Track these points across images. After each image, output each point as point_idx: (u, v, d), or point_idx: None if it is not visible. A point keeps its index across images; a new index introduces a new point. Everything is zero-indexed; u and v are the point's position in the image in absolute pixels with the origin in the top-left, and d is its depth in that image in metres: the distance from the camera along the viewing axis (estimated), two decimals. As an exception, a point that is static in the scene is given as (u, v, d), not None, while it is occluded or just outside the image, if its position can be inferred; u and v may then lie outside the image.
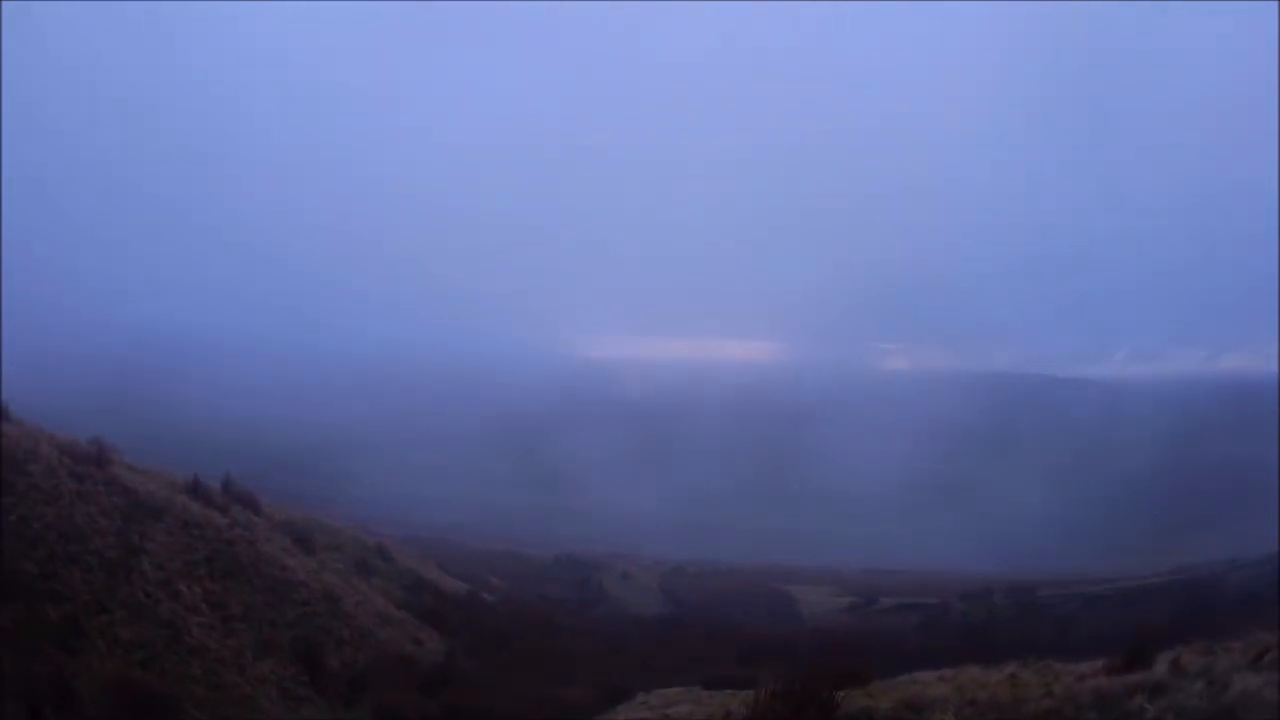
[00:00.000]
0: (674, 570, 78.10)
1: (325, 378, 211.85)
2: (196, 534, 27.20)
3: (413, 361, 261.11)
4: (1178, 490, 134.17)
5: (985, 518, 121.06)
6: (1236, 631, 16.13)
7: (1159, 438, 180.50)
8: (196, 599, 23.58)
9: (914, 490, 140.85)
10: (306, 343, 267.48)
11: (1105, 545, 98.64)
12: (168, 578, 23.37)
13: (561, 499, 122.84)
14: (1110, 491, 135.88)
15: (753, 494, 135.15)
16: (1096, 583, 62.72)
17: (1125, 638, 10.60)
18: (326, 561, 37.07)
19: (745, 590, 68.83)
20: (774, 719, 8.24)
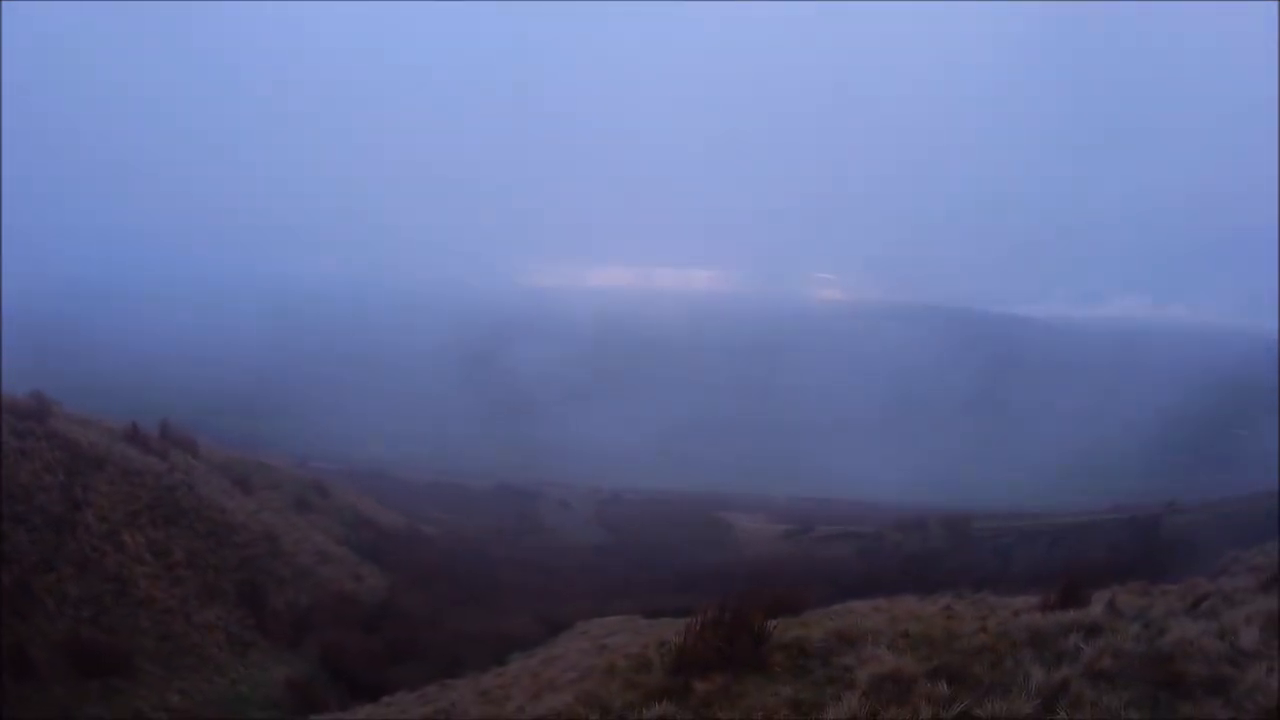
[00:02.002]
0: (611, 499, 78.40)
1: (259, 316, 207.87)
2: (137, 482, 27.43)
3: (351, 296, 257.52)
4: (1113, 430, 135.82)
5: (921, 450, 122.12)
6: (1173, 575, 16.91)
7: (1098, 378, 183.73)
8: (141, 549, 24.00)
9: (848, 421, 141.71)
10: (236, 281, 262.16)
11: (1041, 481, 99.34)
12: (112, 529, 23.73)
13: (499, 429, 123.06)
14: (1046, 429, 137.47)
15: (689, 422, 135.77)
16: (1033, 517, 62.64)
17: (1061, 574, 11.12)
18: (265, 501, 37.54)
19: (682, 518, 69.24)
20: (706, 647, 8.14)
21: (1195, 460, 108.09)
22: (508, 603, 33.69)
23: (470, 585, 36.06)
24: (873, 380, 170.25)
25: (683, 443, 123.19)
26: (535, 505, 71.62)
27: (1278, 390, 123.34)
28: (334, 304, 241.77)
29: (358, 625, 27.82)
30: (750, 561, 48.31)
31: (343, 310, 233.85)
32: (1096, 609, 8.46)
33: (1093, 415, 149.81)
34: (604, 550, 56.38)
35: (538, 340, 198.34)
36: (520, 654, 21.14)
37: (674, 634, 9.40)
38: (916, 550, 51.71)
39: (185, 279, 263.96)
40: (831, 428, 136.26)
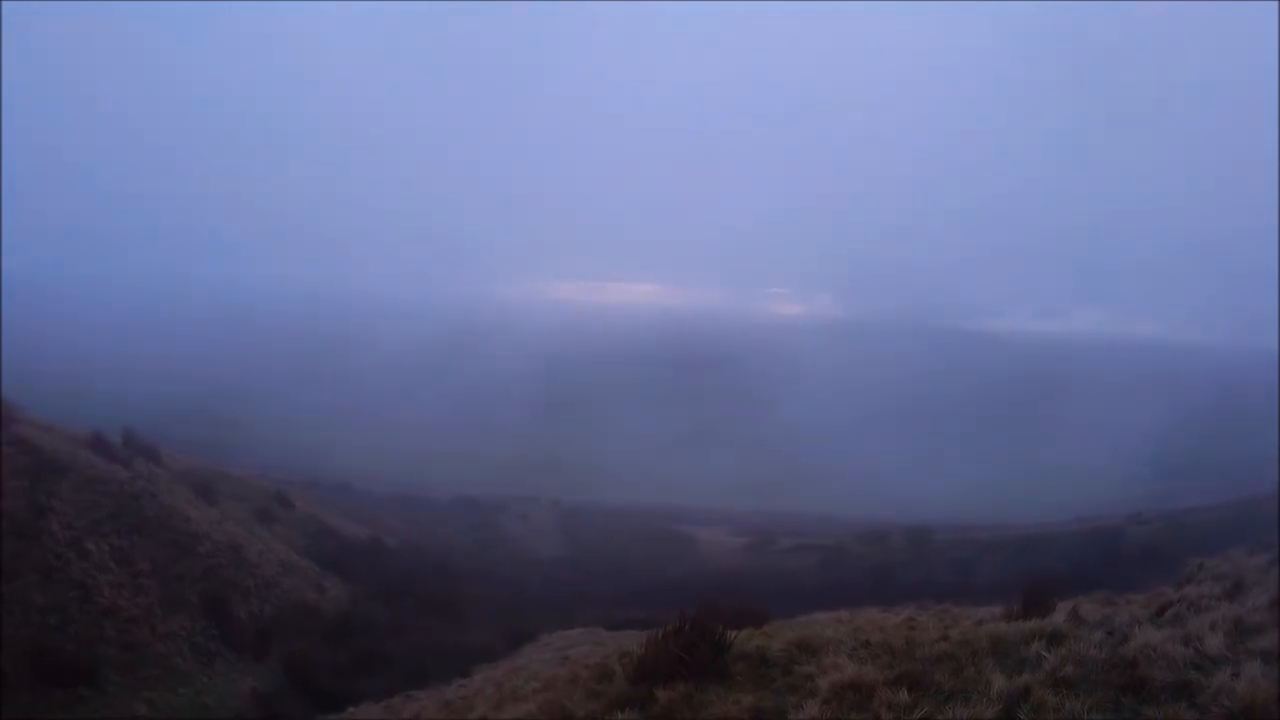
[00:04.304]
0: (571, 511, 78.26)
1: (216, 325, 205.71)
2: (101, 489, 27.34)
3: (309, 306, 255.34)
4: (1075, 443, 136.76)
5: (882, 464, 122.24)
6: (1137, 584, 17.23)
7: (1061, 393, 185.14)
8: (105, 557, 23.98)
9: (809, 436, 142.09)
10: (190, 290, 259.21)
11: (1003, 494, 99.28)
12: (76, 537, 23.69)
13: (461, 441, 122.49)
14: (1006, 443, 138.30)
15: (647, 436, 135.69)
16: (995, 530, 63.31)
17: (1024, 585, 11.22)
18: (229, 511, 37.35)
19: (644, 531, 69.28)
20: (668, 656, 8.15)
21: (1160, 471, 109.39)
22: (471, 614, 33.80)
23: (433, 597, 36.04)
24: (834, 395, 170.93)
25: (642, 456, 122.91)
26: (497, 518, 71.50)
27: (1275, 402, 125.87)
28: (293, 313, 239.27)
29: (321, 636, 27.81)
30: (712, 574, 48.39)
31: (301, 320, 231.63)
32: (1059, 617, 8.50)
33: (1056, 429, 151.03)
34: (565, 563, 56.38)
35: (498, 353, 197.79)
36: (484, 665, 21.36)
37: (636, 644, 9.41)
38: (879, 562, 52.04)
39: (140, 285, 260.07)
40: (791, 442, 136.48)
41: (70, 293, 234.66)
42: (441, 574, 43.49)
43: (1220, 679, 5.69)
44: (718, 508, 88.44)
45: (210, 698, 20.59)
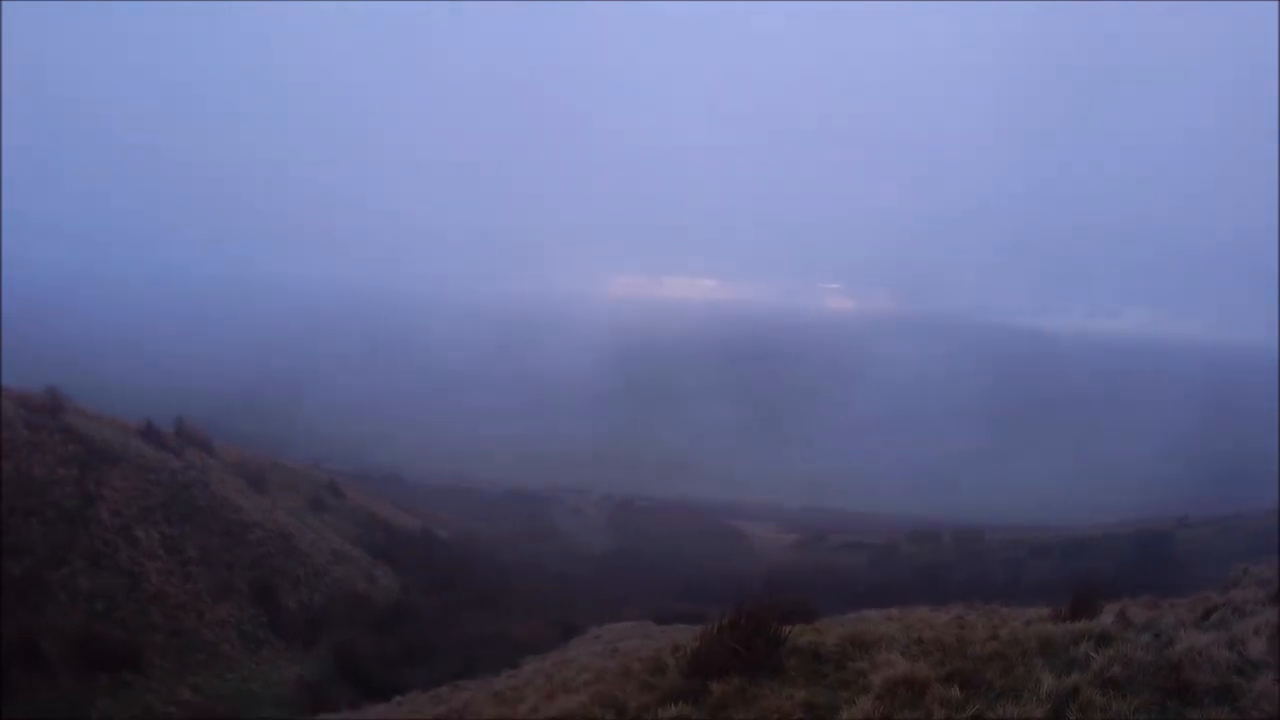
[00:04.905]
0: (623, 505, 78.23)
1: (271, 317, 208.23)
2: (152, 478, 27.41)
3: (366, 299, 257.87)
4: (1126, 443, 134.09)
5: (934, 463, 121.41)
6: (1183, 588, 16.93)
7: (1110, 393, 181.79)
8: (154, 544, 23.94)
9: (859, 430, 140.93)
10: (243, 281, 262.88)
11: (1053, 494, 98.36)
12: (125, 524, 23.66)
13: (513, 435, 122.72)
14: (1058, 443, 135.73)
15: (701, 430, 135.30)
16: (1044, 531, 62.88)
17: (1071, 587, 11.18)
18: (280, 500, 37.46)
19: (694, 525, 69.16)
20: (722, 650, 8.17)
21: (1207, 475, 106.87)
22: (520, 606, 33.52)
23: (482, 588, 35.87)
24: (885, 392, 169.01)
25: (695, 451, 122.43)
26: (548, 510, 71.48)
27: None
28: (349, 306, 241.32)
29: (370, 626, 27.66)
30: (762, 570, 47.91)
31: (356, 316, 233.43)
32: (1107, 619, 8.45)
33: (1108, 429, 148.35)
34: (615, 556, 56.27)
35: (554, 347, 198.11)
36: (533, 657, 20.98)
37: (687, 638, 9.52)
38: (928, 562, 52.09)
39: (194, 279, 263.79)
40: (845, 439, 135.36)
41: (120, 289, 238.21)
42: (491, 566, 43.40)
43: (1262, 684, 5.82)
44: (768, 503, 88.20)
45: (257, 684, 20.39)
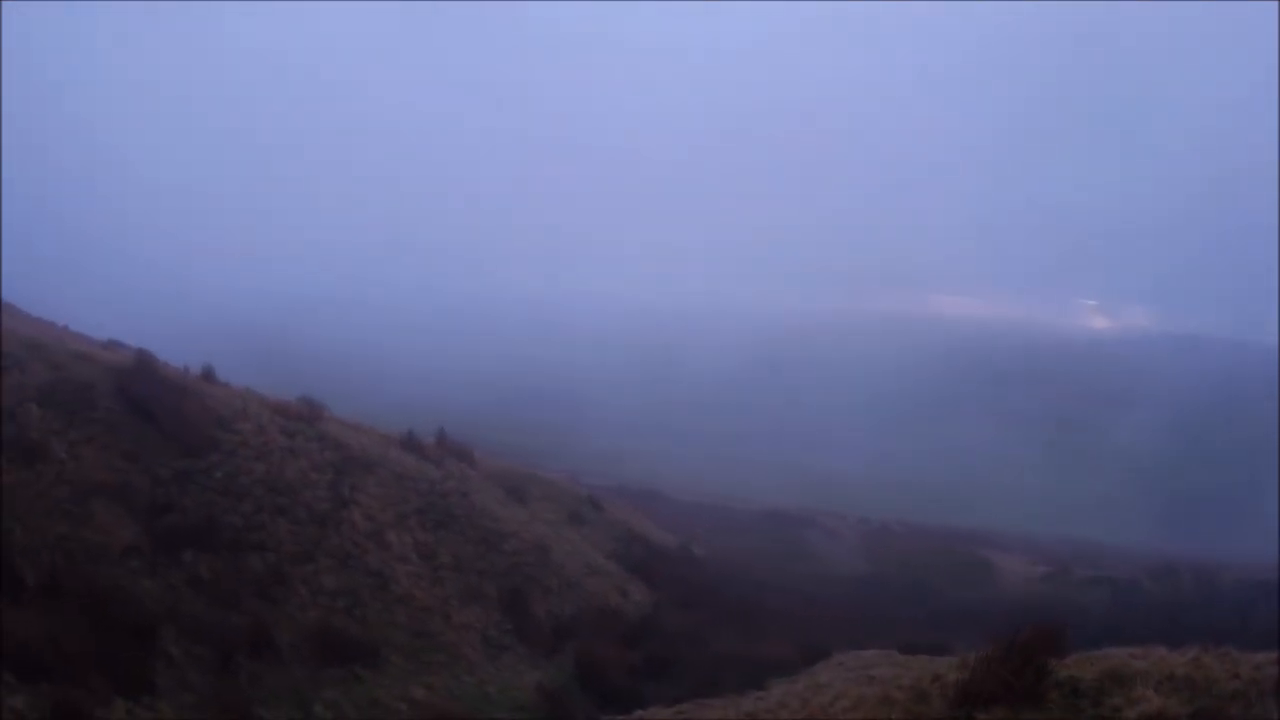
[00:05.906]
0: (878, 530, 75.98)
1: (532, 336, 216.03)
2: (409, 486, 28.05)
3: (619, 314, 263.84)
4: None
5: (1190, 493, 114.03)
6: None
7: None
8: (406, 549, 24.28)
9: (1120, 456, 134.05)
10: (503, 302, 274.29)
11: None
12: (378, 529, 24.12)
13: (774, 454, 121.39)
14: None
15: (962, 453, 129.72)
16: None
17: None
18: (538, 512, 37.74)
19: (944, 553, 66.44)
20: (992, 680, 8.16)
21: None
22: (766, 627, 32.14)
23: (732, 607, 34.77)
24: (1151, 418, 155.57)
25: (955, 475, 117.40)
26: (803, 532, 69.79)
27: None
28: (612, 326, 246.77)
29: (618, 638, 27.13)
30: (1006, 602, 46.33)
31: (621, 331, 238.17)
32: None
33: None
34: (864, 581, 54.85)
35: (818, 363, 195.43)
36: (779, 679, 19.73)
37: (945, 668, 9.91)
38: (1165, 600, 50.39)
39: (455, 299, 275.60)
40: (1107, 466, 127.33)
41: (380, 307, 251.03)
42: (742, 584, 42.33)
43: None
44: (1021, 533, 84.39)
45: (493, 688, 20.15)
